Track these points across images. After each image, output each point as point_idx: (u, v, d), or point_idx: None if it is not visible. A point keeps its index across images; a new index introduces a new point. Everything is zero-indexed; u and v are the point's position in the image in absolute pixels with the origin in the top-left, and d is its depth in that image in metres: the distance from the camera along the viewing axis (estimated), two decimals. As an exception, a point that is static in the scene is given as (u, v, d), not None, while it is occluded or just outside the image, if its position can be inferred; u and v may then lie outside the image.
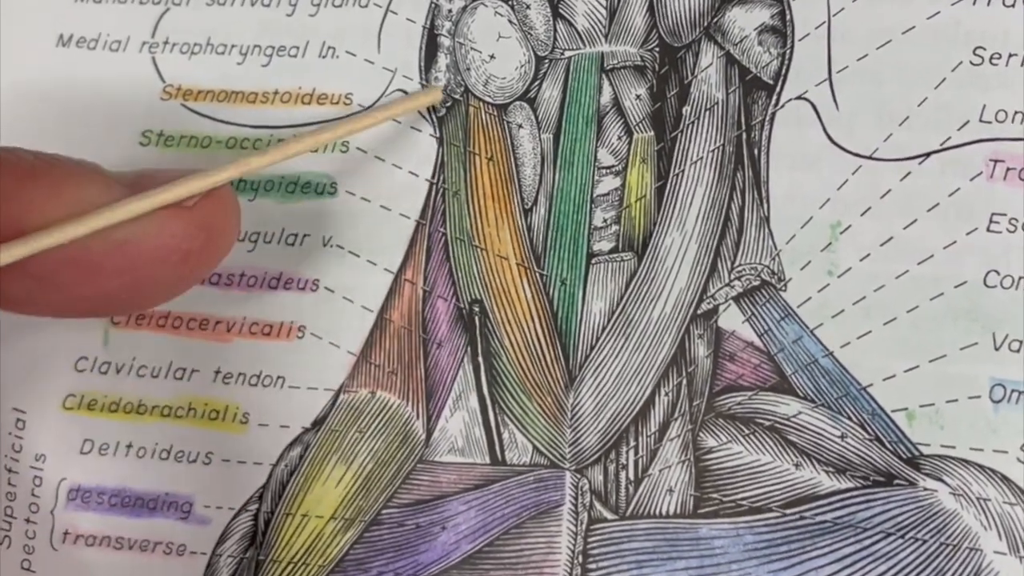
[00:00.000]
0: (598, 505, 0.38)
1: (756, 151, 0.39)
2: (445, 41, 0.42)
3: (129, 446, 0.42)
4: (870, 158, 0.38)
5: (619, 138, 0.40)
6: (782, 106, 0.39)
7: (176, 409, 0.42)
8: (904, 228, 0.38)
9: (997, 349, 0.37)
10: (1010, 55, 0.38)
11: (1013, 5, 0.38)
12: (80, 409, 0.43)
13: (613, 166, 0.40)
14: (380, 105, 0.41)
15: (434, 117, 0.42)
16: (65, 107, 0.45)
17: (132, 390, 0.43)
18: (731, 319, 0.39)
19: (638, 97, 0.41)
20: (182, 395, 0.42)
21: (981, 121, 0.38)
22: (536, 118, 0.41)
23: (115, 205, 0.34)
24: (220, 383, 0.42)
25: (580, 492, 0.39)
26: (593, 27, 0.41)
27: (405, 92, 0.43)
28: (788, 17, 0.40)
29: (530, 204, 0.41)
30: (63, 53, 0.46)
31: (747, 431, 0.38)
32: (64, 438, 0.43)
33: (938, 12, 0.39)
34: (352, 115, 0.41)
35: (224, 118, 0.44)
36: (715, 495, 0.38)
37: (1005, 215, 0.37)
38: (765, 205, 0.39)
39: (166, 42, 0.45)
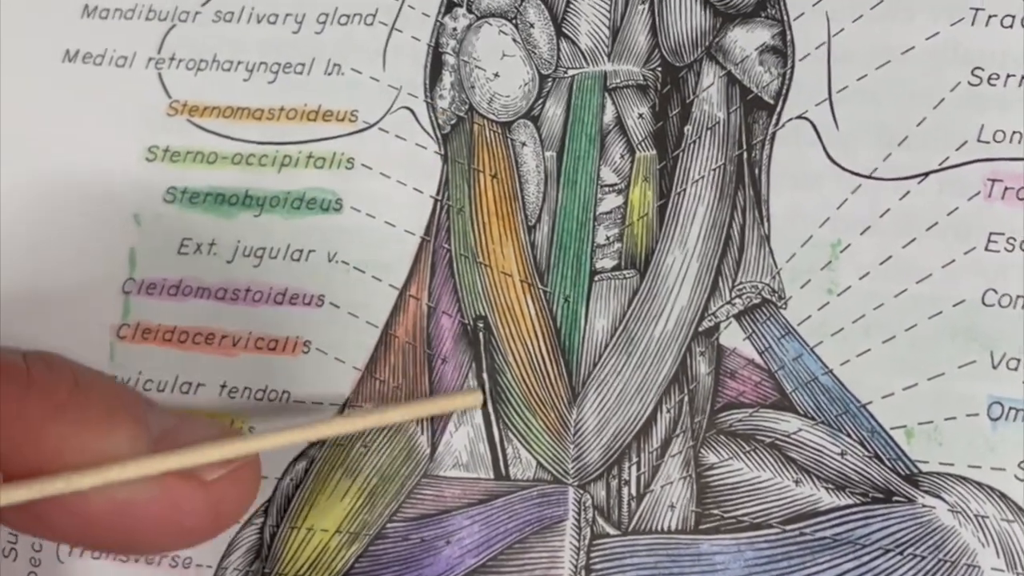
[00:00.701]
0: (601, 520, 0.39)
1: (757, 170, 0.40)
2: (450, 59, 0.43)
3: (136, 460, 0.42)
4: (870, 177, 0.39)
5: (622, 156, 0.41)
6: (782, 126, 0.40)
7: (182, 423, 0.42)
8: (903, 247, 0.38)
9: (995, 367, 0.37)
10: (1008, 75, 0.38)
11: (1011, 26, 0.39)
12: (87, 423, 0.43)
13: (616, 184, 0.41)
14: (418, 402, 0.41)
15: (439, 135, 0.42)
16: (71, 123, 0.45)
17: (138, 404, 0.42)
18: (732, 337, 0.39)
19: (640, 116, 0.41)
20: (188, 409, 0.42)
21: (979, 141, 0.38)
22: (540, 136, 0.42)
23: (131, 461, 0.33)
24: (226, 397, 0.42)
25: (583, 507, 0.39)
26: (596, 46, 0.42)
27: (411, 109, 0.43)
28: (789, 37, 0.40)
29: (534, 221, 0.41)
30: (69, 69, 0.46)
31: (748, 448, 0.38)
32: (71, 451, 0.43)
33: (937, 33, 0.39)
34: (387, 407, 0.40)
35: (230, 134, 0.44)
36: (716, 511, 0.38)
37: (1003, 234, 0.37)
38: (766, 224, 0.39)
39: (172, 58, 0.45)
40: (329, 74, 0.44)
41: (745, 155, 0.40)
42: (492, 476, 0.40)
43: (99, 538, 0.35)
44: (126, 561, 0.42)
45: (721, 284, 0.39)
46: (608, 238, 0.40)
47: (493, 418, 0.40)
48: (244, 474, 0.35)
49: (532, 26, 0.42)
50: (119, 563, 0.42)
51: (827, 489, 0.37)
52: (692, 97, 0.41)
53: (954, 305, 0.37)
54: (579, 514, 0.39)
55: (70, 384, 0.33)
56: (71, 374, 0.34)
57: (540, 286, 0.40)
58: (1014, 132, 0.38)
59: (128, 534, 0.34)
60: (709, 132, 0.40)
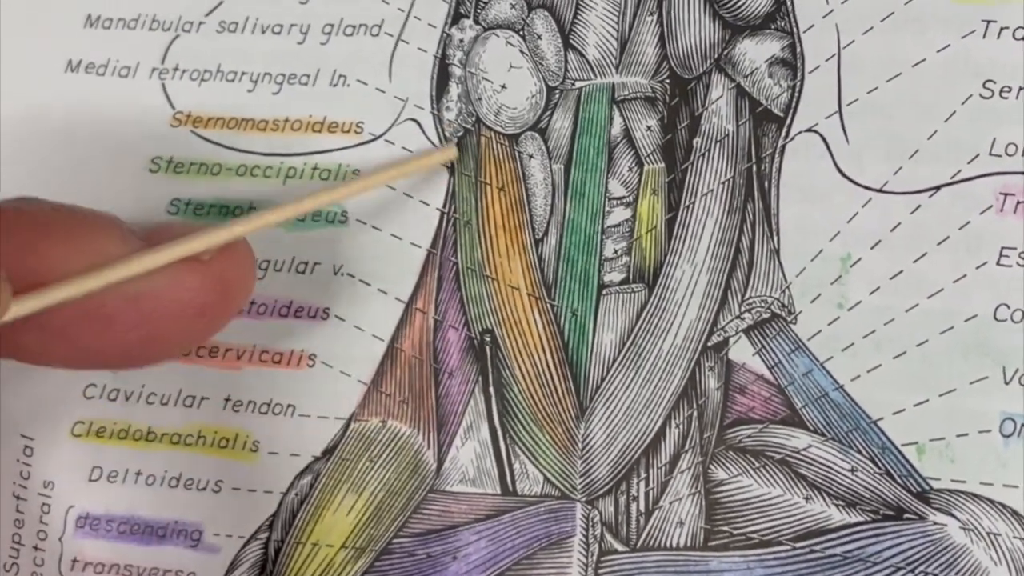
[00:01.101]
0: (609, 537, 0.39)
1: (766, 183, 0.39)
2: (456, 71, 0.43)
3: (138, 473, 0.42)
4: (880, 191, 0.38)
5: (630, 169, 0.41)
6: (792, 138, 0.39)
7: (185, 437, 0.42)
8: (914, 261, 0.38)
9: (1007, 383, 0.37)
10: (1020, 88, 0.38)
11: (1023, 38, 0.38)
12: (89, 436, 0.43)
13: (624, 197, 0.40)
14: (396, 162, 0.41)
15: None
16: (74, 133, 0.45)
17: (141, 417, 0.43)
18: (741, 352, 0.39)
19: (649, 128, 0.41)
20: (192, 423, 0.42)
21: (991, 154, 0.38)
22: (547, 148, 0.41)
23: (131, 258, 0.34)
24: (230, 411, 0.42)
25: (591, 523, 0.39)
26: (604, 58, 0.42)
27: (417, 120, 0.43)
28: (798, 50, 0.40)
29: (541, 234, 0.41)
30: (72, 79, 0.46)
31: (757, 464, 0.38)
32: (73, 465, 0.43)
33: (948, 45, 0.39)
34: (368, 174, 0.41)
35: (234, 145, 0.44)
36: (725, 528, 0.38)
37: (1015, 249, 0.37)
38: (775, 237, 0.39)
39: (176, 69, 0.45)
40: (334, 85, 0.43)
41: (754, 168, 0.39)
42: (499, 491, 0.40)
43: (123, 343, 0.35)
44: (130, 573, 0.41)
45: (730, 298, 0.39)
46: (616, 251, 0.40)
47: (500, 433, 0.40)
48: (236, 250, 0.36)
49: (539, 38, 0.42)
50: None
51: (838, 506, 0.37)
52: (701, 109, 0.40)
53: (965, 320, 0.37)
54: (587, 530, 0.39)
55: (47, 206, 0.35)
56: (45, 201, 0.35)
57: (547, 300, 0.40)
58: (1026, 145, 0.38)
59: (149, 328, 0.35)
60: (718, 145, 0.40)
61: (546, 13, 0.42)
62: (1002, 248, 0.37)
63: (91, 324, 0.35)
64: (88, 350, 0.36)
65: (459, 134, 0.42)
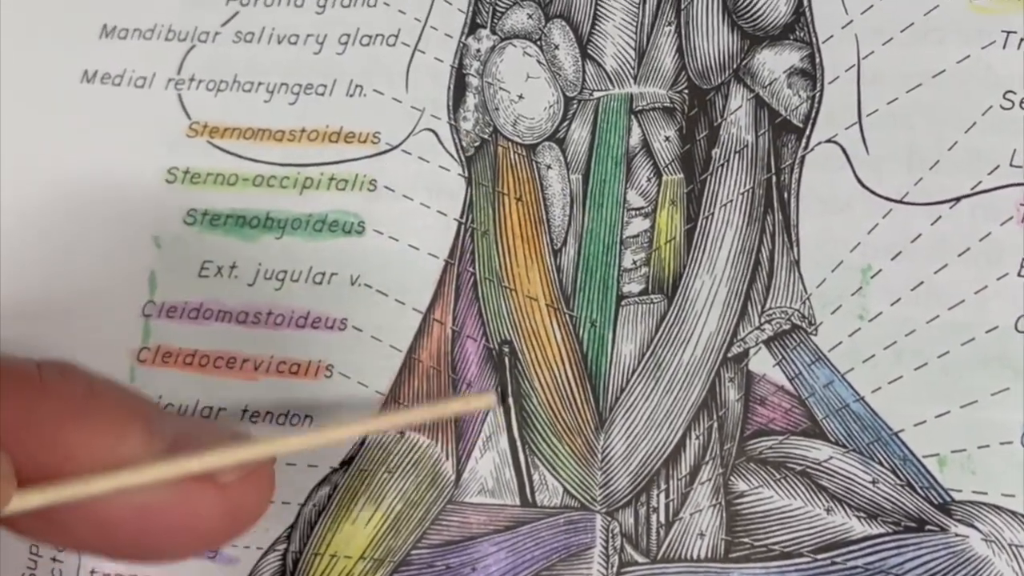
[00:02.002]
0: (629, 548, 0.38)
1: (786, 194, 0.39)
2: (473, 81, 0.43)
3: (156, 484, 0.42)
4: (900, 202, 0.38)
5: (648, 180, 0.40)
6: (812, 149, 0.39)
7: (204, 448, 0.42)
8: (935, 273, 0.38)
9: (1029, 394, 0.37)
10: (1040, 99, 0.38)
11: (1043, 49, 0.38)
12: (107, 447, 0.42)
13: (642, 208, 0.40)
14: (432, 405, 0.41)
15: (463, 157, 0.42)
16: (90, 144, 0.45)
17: (159, 428, 0.42)
18: (762, 363, 0.39)
19: (667, 139, 0.41)
20: (209, 433, 0.42)
21: (1012, 165, 0.38)
22: (565, 159, 0.41)
23: (147, 465, 0.33)
24: (247, 422, 0.42)
25: (611, 535, 0.39)
26: (622, 68, 0.41)
27: (434, 130, 0.42)
28: (818, 60, 0.40)
29: (559, 245, 0.41)
30: (88, 89, 0.46)
31: (778, 475, 0.38)
32: (91, 475, 0.42)
33: (968, 56, 0.39)
34: (402, 411, 0.40)
35: (251, 156, 0.44)
36: (746, 539, 0.38)
37: (1035, 260, 0.37)
38: (795, 248, 0.39)
39: (192, 79, 0.45)
40: (351, 95, 0.43)
41: (774, 179, 0.39)
42: (518, 502, 0.39)
43: (118, 544, 0.34)
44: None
45: (750, 309, 0.39)
46: (635, 262, 0.40)
47: (519, 444, 0.40)
48: (259, 476, 0.35)
49: (557, 48, 0.42)
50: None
51: (859, 518, 0.37)
52: (720, 120, 0.40)
53: (987, 331, 0.37)
54: (607, 542, 0.39)
55: (84, 390, 0.33)
56: (85, 380, 0.34)
57: (566, 310, 0.40)
58: (1047, 156, 0.38)
59: (146, 539, 0.34)
60: (737, 155, 0.40)
61: (563, 23, 0.42)
62: (1023, 259, 0.37)
63: (91, 524, 0.33)
64: (81, 544, 0.35)
65: (471, 150, 0.42)
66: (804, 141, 0.39)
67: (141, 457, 0.33)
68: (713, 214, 0.40)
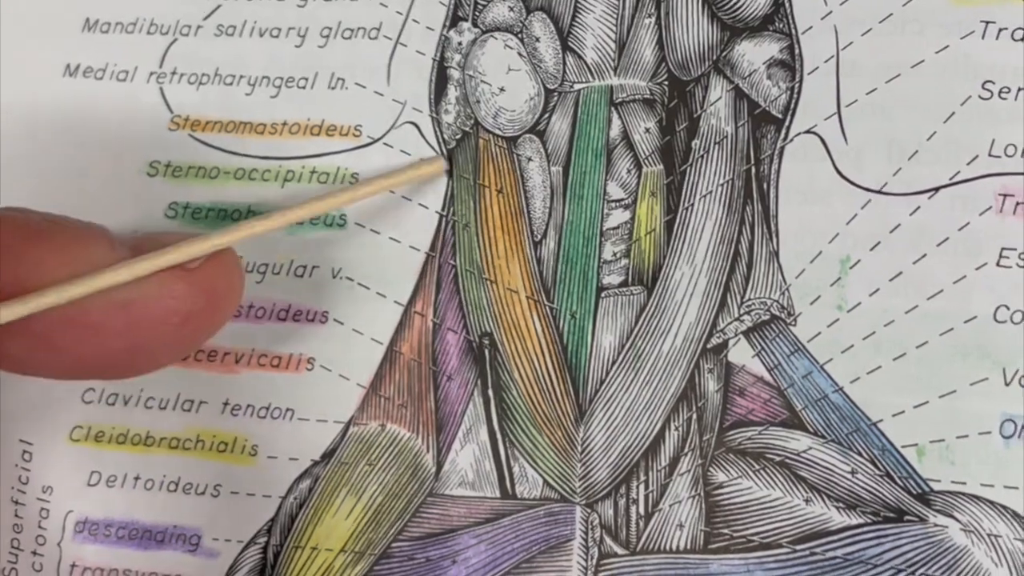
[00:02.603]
0: (608, 540, 0.38)
1: (765, 185, 0.39)
2: (455, 74, 0.43)
3: (137, 478, 0.42)
4: (879, 192, 0.38)
5: (628, 171, 0.41)
6: (791, 140, 0.39)
7: (184, 441, 0.42)
8: (913, 263, 0.38)
9: (1007, 385, 0.37)
10: (1019, 89, 0.38)
11: (1022, 39, 0.38)
12: (87, 441, 0.43)
13: (623, 199, 0.40)
14: (383, 174, 0.41)
15: (444, 149, 0.42)
16: (72, 137, 0.45)
17: (140, 422, 0.43)
18: (741, 354, 0.39)
19: (647, 130, 0.41)
20: (190, 427, 0.42)
21: (990, 155, 0.38)
22: (546, 151, 0.41)
23: (118, 266, 0.34)
24: (228, 415, 0.42)
25: (590, 527, 0.39)
26: (602, 60, 0.42)
27: (416, 123, 0.42)
28: (797, 51, 0.40)
29: (540, 237, 0.41)
30: (70, 83, 0.46)
31: (757, 466, 0.38)
32: (71, 470, 0.43)
33: (947, 46, 0.39)
34: (354, 185, 0.41)
35: (232, 149, 0.44)
36: (725, 530, 0.38)
37: (1015, 250, 0.37)
38: (774, 239, 0.39)
39: (174, 72, 0.45)
40: (333, 88, 0.43)
41: (753, 170, 0.39)
42: (498, 495, 0.40)
43: (108, 349, 0.35)
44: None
45: (729, 300, 0.39)
46: (615, 254, 0.40)
47: (499, 436, 0.40)
48: (222, 259, 0.36)
49: (538, 40, 0.42)
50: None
51: (838, 508, 0.37)
52: (699, 111, 0.40)
53: (965, 321, 0.37)
54: (586, 533, 0.39)
55: (36, 216, 0.35)
56: (34, 212, 0.35)
57: (546, 302, 0.40)
58: (1026, 146, 0.38)
59: (134, 337, 0.35)
60: (717, 147, 0.40)
61: (544, 16, 0.42)
62: (1002, 249, 0.37)
63: (77, 331, 0.35)
64: (74, 358, 0.36)
65: (453, 143, 0.42)
66: (783, 132, 0.39)
67: (109, 261, 0.34)
68: (693, 205, 0.40)
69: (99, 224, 0.36)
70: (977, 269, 0.37)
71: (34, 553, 0.42)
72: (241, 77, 0.44)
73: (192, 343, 0.38)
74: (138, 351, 0.36)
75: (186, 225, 0.43)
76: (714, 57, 0.41)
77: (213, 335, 0.37)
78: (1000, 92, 0.38)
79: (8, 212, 0.35)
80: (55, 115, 0.46)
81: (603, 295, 0.40)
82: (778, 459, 0.38)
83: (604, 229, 0.40)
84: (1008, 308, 0.37)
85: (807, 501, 0.37)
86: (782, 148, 0.39)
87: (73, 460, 0.43)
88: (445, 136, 0.42)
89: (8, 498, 0.43)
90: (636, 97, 0.41)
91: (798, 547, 0.37)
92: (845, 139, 0.39)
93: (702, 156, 0.40)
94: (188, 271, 0.35)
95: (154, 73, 0.45)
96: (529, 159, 0.41)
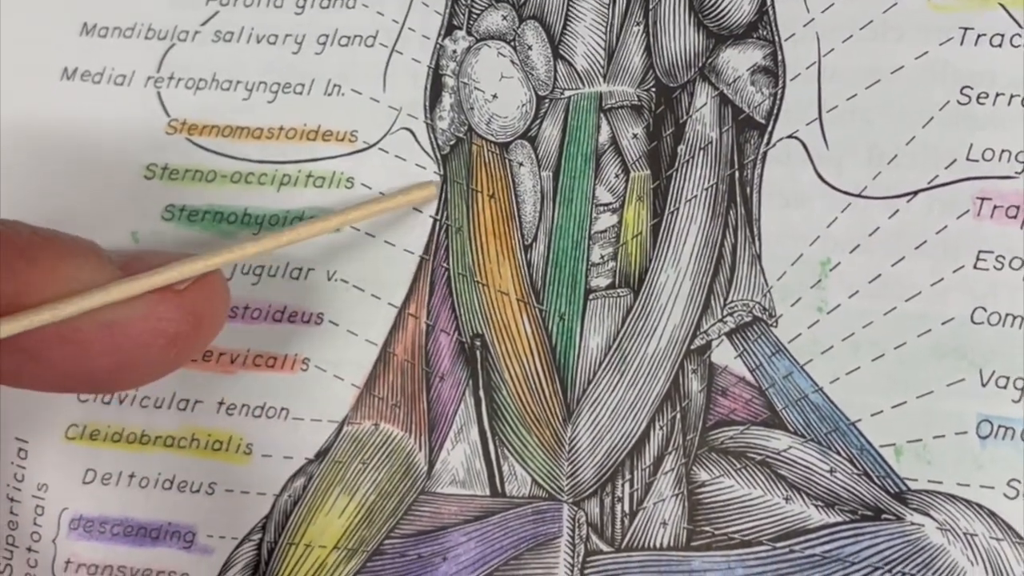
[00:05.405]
0: (594, 537, 0.39)
1: (748, 189, 0.40)
2: (449, 81, 0.43)
3: (132, 476, 0.43)
4: (859, 196, 0.39)
5: (616, 176, 0.41)
6: (773, 145, 0.40)
7: (179, 440, 0.42)
8: (892, 265, 0.38)
9: (984, 385, 0.37)
10: (997, 94, 0.38)
11: (1000, 45, 0.39)
12: (83, 439, 0.43)
13: (610, 203, 0.41)
14: (376, 198, 0.42)
15: (438, 155, 0.43)
16: (70, 141, 0.46)
17: (135, 420, 0.43)
18: (724, 355, 0.39)
19: (635, 136, 0.41)
20: (185, 426, 0.42)
21: (968, 160, 0.38)
22: (536, 156, 0.42)
23: (107, 286, 0.35)
24: (224, 414, 0.42)
25: (577, 524, 0.39)
26: (592, 67, 0.42)
27: (411, 129, 0.43)
28: (780, 58, 0.40)
29: (530, 240, 0.41)
30: (68, 87, 0.46)
31: (739, 465, 0.38)
32: (66, 468, 0.43)
33: (926, 52, 0.39)
34: (345, 210, 0.41)
35: (229, 153, 0.44)
36: (708, 528, 0.38)
37: (992, 252, 0.38)
38: (757, 242, 0.39)
39: (171, 77, 0.45)
40: (329, 94, 0.44)
41: (737, 174, 0.40)
42: (488, 493, 0.40)
43: (94, 366, 0.36)
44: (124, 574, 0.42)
45: (713, 302, 0.40)
46: (603, 257, 0.41)
47: (490, 435, 0.40)
48: (210, 280, 0.37)
49: (530, 48, 0.42)
50: (118, 578, 0.42)
51: (817, 506, 0.37)
52: (685, 117, 0.41)
53: (943, 323, 0.38)
54: (573, 531, 0.39)
55: (28, 231, 0.35)
56: (27, 226, 0.35)
57: (536, 304, 0.41)
58: (1003, 151, 0.38)
59: (121, 355, 0.35)
60: (702, 152, 0.40)
61: (536, 24, 0.43)
62: (979, 252, 0.38)
63: (66, 349, 0.35)
64: (61, 374, 0.36)
65: (447, 148, 0.43)
66: (766, 137, 0.40)
67: (99, 280, 0.35)
68: (678, 209, 0.40)
69: (89, 240, 0.37)
70: (955, 272, 0.38)
71: (29, 550, 0.43)
72: (238, 82, 0.45)
73: (176, 363, 0.38)
74: (123, 368, 0.36)
75: (182, 227, 0.44)
76: (700, 64, 0.41)
77: (198, 355, 0.38)
78: (978, 97, 0.39)
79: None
80: (53, 119, 0.46)
81: (591, 297, 0.40)
82: (759, 458, 0.38)
83: (592, 233, 0.41)
84: (985, 310, 0.37)
85: (787, 499, 0.38)
86: (765, 153, 0.40)
87: (68, 458, 0.43)
88: (439, 142, 0.43)
89: (3, 495, 0.43)
90: (624, 103, 0.42)
91: (778, 544, 0.38)
92: (826, 144, 0.39)
93: (687, 161, 0.41)
94: (175, 293, 0.36)
95: (151, 78, 0.46)
96: (520, 164, 0.42)
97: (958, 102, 0.39)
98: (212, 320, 0.38)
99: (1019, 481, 0.36)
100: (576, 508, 0.39)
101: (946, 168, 0.38)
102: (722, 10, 0.41)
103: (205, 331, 0.37)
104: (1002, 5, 0.39)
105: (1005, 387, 0.37)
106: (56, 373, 0.36)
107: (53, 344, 0.35)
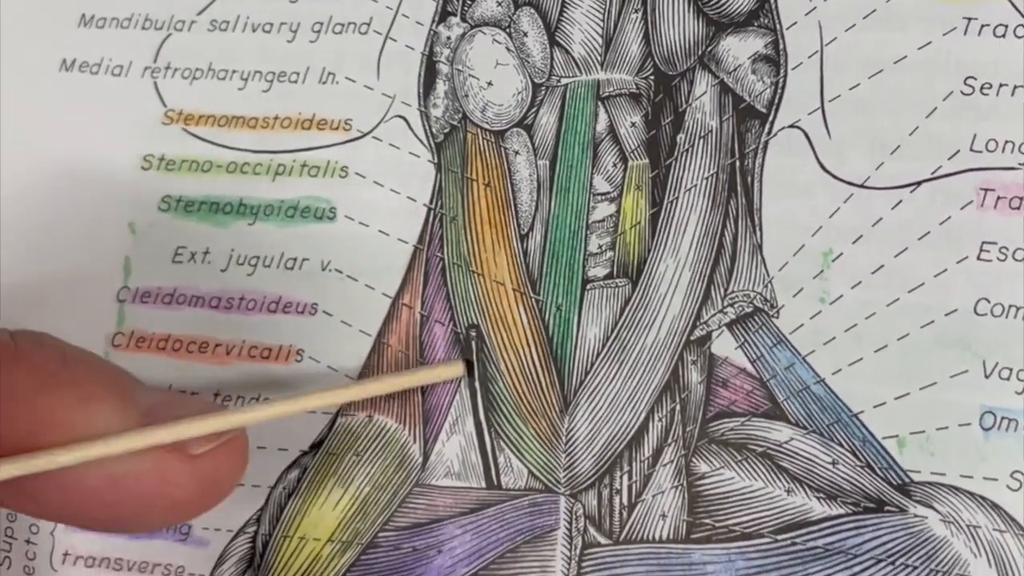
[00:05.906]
0: (592, 530, 0.39)
1: (749, 179, 0.40)
2: (444, 68, 0.43)
3: (129, 468, 0.42)
4: (862, 186, 0.39)
5: (614, 165, 0.41)
6: (775, 134, 0.40)
7: (175, 431, 0.42)
8: (895, 256, 0.38)
9: (987, 377, 0.37)
10: (1000, 85, 0.38)
11: (1004, 35, 0.39)
12: (80, 432, 0.43)
13: (608, 193, 0.41)
14: (398, 373, 0.41)
15: (433, 143, 0.42)
16: (67, 131, 0.45)
17: (132, 412, 0.43)
18: (724, 345, 0.39)
19: (633, 124, 0.41)
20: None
21: (972, 150, 0.38)
22: (533, 144, 0.42)
23: (112, 437, 0.33)
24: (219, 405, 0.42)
25: (574, 517, 0.39)
26: (589, 55, 0.42)
27: (405, 117, 0.43)
28: (781, 46, 0.40)
29: (526, 230, 0.41)
30: (65, 77, 0.46)
31: (740, 457, 0.38)
32: (64, 460, 0.43)
33: (929, 42, 0.39)
34: (369, 379, 0.41)
35: (225, 143, 0.44)
36: (708, 520, 0.38)
37: (995, 243, 0.37)
38: (758, 232, 0.39)
39: (168, 67, 0.45)
40: (323, 83, 0.44)
41: (738, 164, 0.40)
42: (484, 485, 0.40)
43: (91, 514, 0.34)
44: (119, 570, 0.42)
45: (713, 293, 0.39)
46: (600, 246, 0.40)
47: (485, 427, 0.40)
48: (231, 447, 0.35)
49: (526, 35, 0.42)
50: (111, 572, 0.42)
51: (819, 498, 0.37)
52: (685, 106, 0.41)
53: (946, 314, 0.37)
54: (570, 523, 0.39)
55: (58, 360, 0.33)
56: (59, 350, 0.34)
57: (532, 295, 0.41)
58: (1007, 142, 0.38)
59: (119, 509, 0.34)
60: (702, 141, 0.40)
61: (532, 11, 0.43)
62: (982, 243, 0.38)
63: (65, 494, 0.33)
64: (56, 514, 0.35)
65: (441, 136, 0.42)
66: (767, 126, 0.40)
67: (115, 428, 0.33)
68: (677, 199, 0.40)
69: (119, 374, 0.35)
70: (958, 262, 0.38)
71: (27, 542, 0.43)
72: (234, 72, 0.45)
73: (177, 522, 0.37)
74: (121, 521, 0.35)
75: (179, 218, 0.44)
76: (700, 52, 0.41)
77: (202, 515, 0.37)
78: (982, 88, 0.38)
79: (29, 347, 0.33)
80: (51, 109, 0.46)
81: (588, 287, 0.40)
82: (760, 450, 0.38)
83: (590, 222, 0.41)
84: (988, 301, 0.37)
85: (788, 491, 0.38)
86: (766, 142, 0.40)
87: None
88: (433, 130, 0.43)
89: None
90: (622, 91, 0.41)
91: (779, 537, 0.37)
92: (828, 133, 0.39)
93: (687, 150, 0.40)
94: (191, 457, 0.34)
95: (148, 68, 0.45)
96: (516, 153, 0.42)
97: (961, 92, 0.38)
98: (224, 487, 0.35)
99: (1022, 473, 0.36)
100: (573, 500, 0.39)
101: (949, 159, 0.38)
102: None
103: (215, 496, 0.35)
104: (1005, -6, 0.39)
105: (1008, 379, 0.37)
106: (51, 512, 0.35)
107: (52, 489, 0.33)
